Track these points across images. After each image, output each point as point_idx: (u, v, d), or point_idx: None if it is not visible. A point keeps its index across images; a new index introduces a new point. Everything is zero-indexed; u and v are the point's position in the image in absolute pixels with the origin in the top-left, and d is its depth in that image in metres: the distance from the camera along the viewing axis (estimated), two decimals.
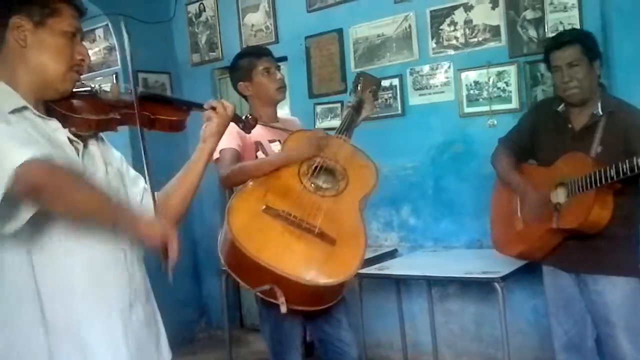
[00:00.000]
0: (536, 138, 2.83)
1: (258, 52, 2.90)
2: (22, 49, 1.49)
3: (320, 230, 2.35)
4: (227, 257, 2.40)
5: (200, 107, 1.85)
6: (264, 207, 2.39)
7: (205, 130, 1.83)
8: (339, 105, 4.32)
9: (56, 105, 1.55)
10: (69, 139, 1.54)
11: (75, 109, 1.56)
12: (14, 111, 1.45)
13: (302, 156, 2.59)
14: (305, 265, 2.32)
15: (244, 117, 2.05)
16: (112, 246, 1.56)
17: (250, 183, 2.53)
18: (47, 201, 1.33)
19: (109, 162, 1.66)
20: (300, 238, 2.35)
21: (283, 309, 2.23)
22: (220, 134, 1.85)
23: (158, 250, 1.47)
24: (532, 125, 2.85)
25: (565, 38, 2.67)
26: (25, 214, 1.34)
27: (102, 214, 1.43)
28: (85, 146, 1.58)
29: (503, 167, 2.92)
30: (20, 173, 1.26)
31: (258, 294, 2.36)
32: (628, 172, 2.35)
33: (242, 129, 2.09)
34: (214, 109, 1.81)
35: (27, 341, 1.45)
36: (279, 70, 2.89)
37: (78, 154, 1.55)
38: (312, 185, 2.53)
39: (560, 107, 2.71)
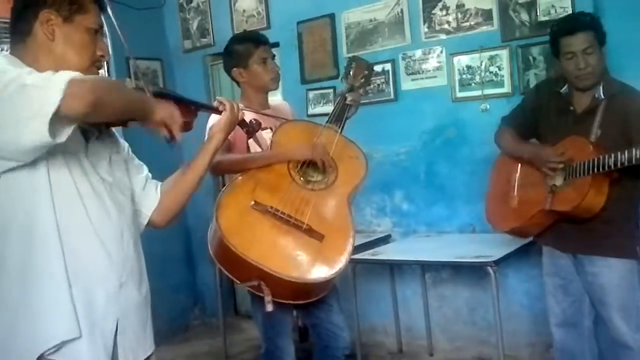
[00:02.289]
0: (538, 117, 2.82)
1: (256, 40, 2.85)
2: (50, 42, 1.51)
3: (308, 226, 2.38)
4: (216, 252, 2.41)
5: (209, 108, 1.91)
6: (253, 202, 2.41)
7: (215, 126, 1.89)
8: (331, 90, 4.31)
9: None
10: (83, 128, 1.56)
11: None
12: None
13: (301, 159, 2.57)
14: (293, 262, 2.33)
15: (248, 122, 2.06)
16: (111, 223, 1.58)
17: (240, 177, 2.53)
18: (99, 112, 1.37)
19: (115, 151, 1.70)
20: (288, 234, 2.37)
21: (269, 307, 2.26)
22: (228, 131, 1.90)
23: (166, 128, 1.60)
24: (535, 105, 2.84)
25: (580, 24, 2.60)
26: (67, 130, 1.35)
27: (136, 110, 1.55)
28: (99, 136, 1.63)
29: (510, 142, 2.88)
30: (72, 89, 1.28)
31: (247, 287, 2.37)
32: (626, 163, 2.37)
33: (246, 133, 2.09)
34: (225, 106, 1.87)
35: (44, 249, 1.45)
36: (274, 59, 2.87)
37: (87, 142, 1.58)
38: (302, 178, 2.54)
39: (563, 89, 2.70)
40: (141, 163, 1.84)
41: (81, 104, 1.29)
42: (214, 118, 2.13)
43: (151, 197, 1.80)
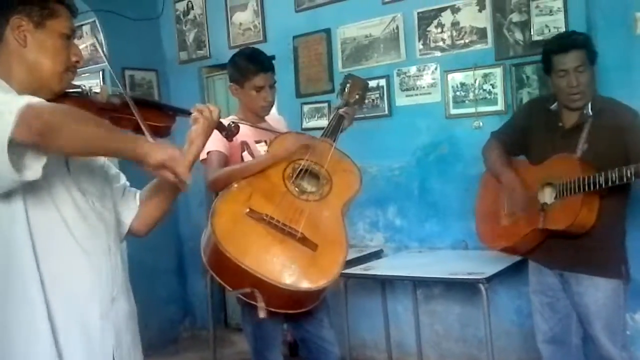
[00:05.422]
0: (528, 135, 2.84)
1: (259, 66, 2.77)
2: (22, 48, 1.50)
3: (302, 235, 2.38)
4: (210, 259, 2.41)
5: (186, 113, 1.86)
6: (248, 210, 2.41)
7: (192, 132, 1.83)
8: (326, 105, 4.32)
9: None
10: None
11: None
12: None
13: (288, 154, 2.59)
14: (286, 270, 2.33)
15: (227, 125, 2.04)
16: (98, 239, 1.57)
17: (235, 185, 2.53)
18: (56, 140, 1.30)
19: (94, 159, 1.69)
20: (282, 242, 2.37)
21: (262, 313, 2.25)
22: (206, 136, 1.85)
23: (162, 171, 1.46)
24: (525, 121, 2.87)
25: (573, 42, 2.62)
26: (36, 163, 1.32)
27: (109, 141, 1.40)
28: None
29: (494, 160, 2.91)
30: (24, 115, 1.25)
31: (239, 295, 2.37)
32: (617, 181, 2.39)
33: (225, 137, 2.07)
34: (201, 111, 1.81)
35: (24, 296, 1.43)
36: (272, 87, 2.81)
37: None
38: (296, 188, 2.55)
39: (553, 106, 2.73)
40: (118, 171, 1.81)
41: (29, 131, 1.25)
42: None
43: (131, 205, 1.79)
